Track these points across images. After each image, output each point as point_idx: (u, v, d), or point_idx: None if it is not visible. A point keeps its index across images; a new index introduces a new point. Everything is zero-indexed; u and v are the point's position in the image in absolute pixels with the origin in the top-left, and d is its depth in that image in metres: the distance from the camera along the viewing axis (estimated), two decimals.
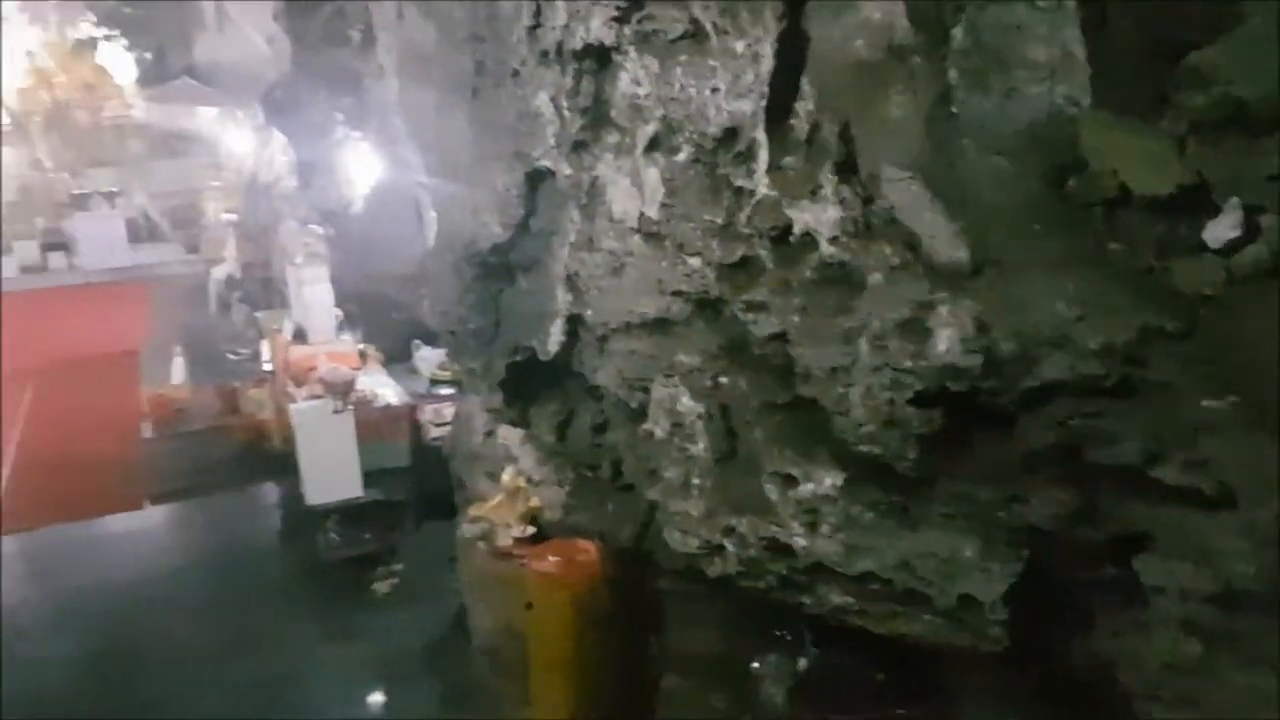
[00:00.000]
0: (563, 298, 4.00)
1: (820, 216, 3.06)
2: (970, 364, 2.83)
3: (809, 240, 3.16)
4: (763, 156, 3.19)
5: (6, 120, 19.17)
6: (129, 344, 13.53)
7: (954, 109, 2.72)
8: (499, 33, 3.86)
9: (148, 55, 20.23)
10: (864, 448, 3.16)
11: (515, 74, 3.89)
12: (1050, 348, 2.68)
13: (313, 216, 12.74)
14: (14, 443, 9.98)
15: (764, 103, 3.11)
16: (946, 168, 2.76)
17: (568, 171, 3.78)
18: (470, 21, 3.97)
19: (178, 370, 11.86)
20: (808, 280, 3.19)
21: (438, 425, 9.05)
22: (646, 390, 3.81)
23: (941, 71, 2.72)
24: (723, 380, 3.51)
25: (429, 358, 10.34)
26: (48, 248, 16.96)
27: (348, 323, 10.72)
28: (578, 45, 3.51)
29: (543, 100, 3.74)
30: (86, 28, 20.39)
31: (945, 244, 2.83)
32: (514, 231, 4.11)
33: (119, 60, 20.73)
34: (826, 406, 3.22)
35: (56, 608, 7.11)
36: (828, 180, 3.04)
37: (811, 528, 3.37)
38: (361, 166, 12.09)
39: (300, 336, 10.16)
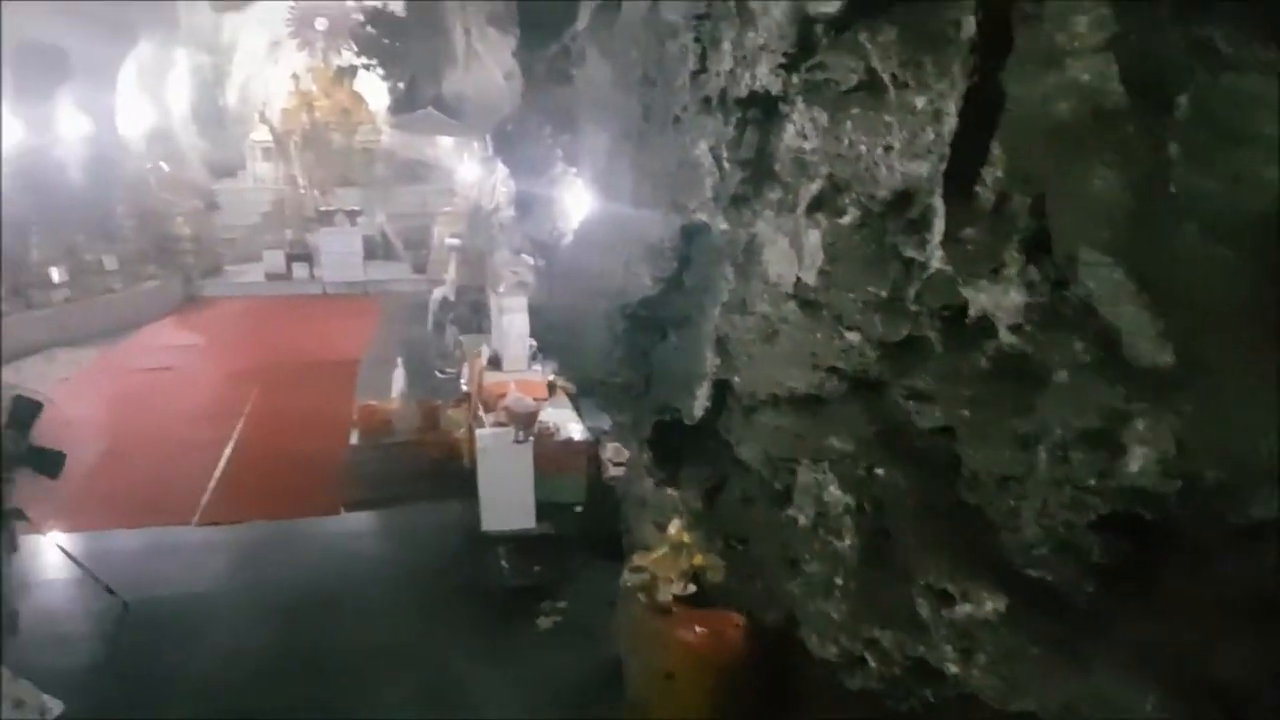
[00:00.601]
0: (711, 360, 3.76)
1: (1001, 299, 2.66)
2: (1167, 490, 2.35)
3: (986, 325, 2.76)
4: (938, 226, 2.82)
5: (269, 137, 21.09)
6: (352, 353, 14.39)
7: (1171, 188, 2.27)
8: (666, 76, 3.70)
9: (400, 85, 21.71)
10: (1033, 571, 2.71)
11: (677, 120, 3.71)
12: (1264, 480, 2.17)
13: (525, 246, 13.12)
14: (233, 438, 10.71)
15: (944, 166, 2.75)
16: (1156, 255, 2.31)
17: (724, 227, 3.55)
18: (643, 63, 3.83)
19: (398, 381, 12.47)
20: (982, 371, 2.78)
21: (617, 464, 8.98)
22: (793, 471, 3.48)
23: (1159, 144, 2.29)
24: (877, 472, 3.14)
25: None
26: (292, 258, 18.45)
27: (542, 353, 10.87)
28: (742, 93, 3.28)
29: (702, 150, 3.53)
30: (348, 56, 22.16)
31: (1148, 344, 2.38)
32: (666, 286, 3.91)
33: (374, 88, 22.39)
34: (993, 519, 2.79)
35: (239, 601, 7.49)
36: (1013, 259, 2.63)
37: (966, 654, 2.93)
38: (575, 202, 12.35)
39: (495, 363, 10.41)
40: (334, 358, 14.26)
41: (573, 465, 8.94)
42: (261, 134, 21.18)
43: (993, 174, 2.71)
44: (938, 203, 2.78)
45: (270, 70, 23.30)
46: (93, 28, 16.00)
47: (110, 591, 7.21)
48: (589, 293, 10.54)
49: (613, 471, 9.17)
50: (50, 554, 7.47)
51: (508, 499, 8.37)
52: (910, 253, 2.89)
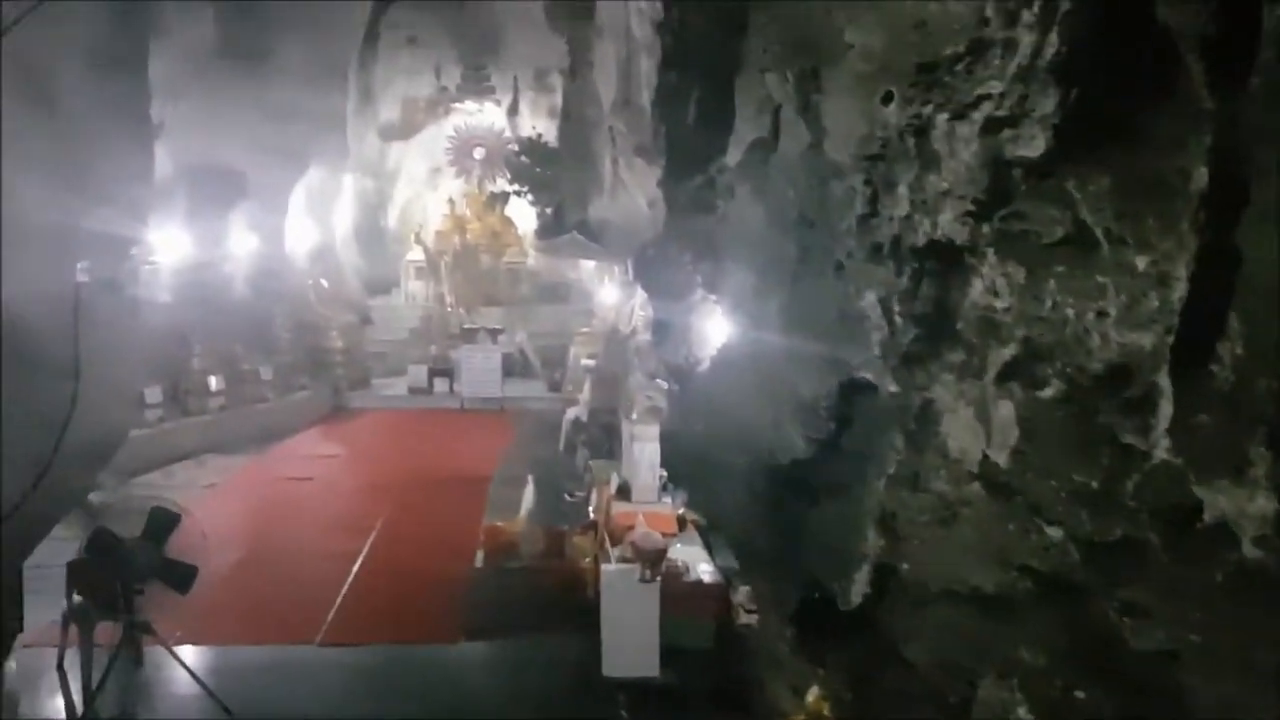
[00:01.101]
0: (874, 540, 3.32)
1: (1246, 505, 2.17)
2: None
3: (1224, 533, 2.26)
4: (1165, 409, 2.37)
5: (423, 257, 21.98)
6: (484, 471, 14.36)
7: None
8: (828, 218, 3.40)
9: (548, 211, 22.47)
10: None
11: (840, 267, 3.39)
12: None
13: (660, 371, 12.95)
14: (363, 553, 10.65)
15: (1171, 338, 2.32)
16: None
17: (893, 389, 3.16)
18: (800, 203, 3.56)
19: (526, 501, 12.36)
20: (1217, 587, 2.27)
21: (749, 611, 8.44)
22: (973, 684, 2.97)
23: None
24: (1077, 694, 2.61)
25: None
26: (434, 373, 18.88)
27: (671, 485, 10.51)
28: (919, 241, 2.94)
29: (870, 301, 3.18)
30: (501, 183, 23.11)
31: None
32: (820, 448, 3.53)
33: (523, 213, 23.20)
34: None
35: None
36: (1260, 456, 2.15)
37: None
38: (713, 329, 12.17)
39: (624, 492, 10.10)
40: (466, 474, 14.26)
41: (702, 609, 8.44)
42: (416, 254, 22.12)
43: (1231, 350, 2.26)
44: (1164, 381, 2.33)
45: (429, 195, 24.51)
46: (270, 155, 17.17)
47: (227, 711, 7.07)
48: (727, 435, 10.20)
49: (745, 619, 8.61)
50: (173, 668, 7.41)
51: (631, 641, 7.92)
52: (1128, 438, 2.43)
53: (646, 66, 14.76)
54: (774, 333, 3.70)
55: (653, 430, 9.87)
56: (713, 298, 11.97)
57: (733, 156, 7.83)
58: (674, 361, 12.82)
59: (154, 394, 14.03)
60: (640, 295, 14.25)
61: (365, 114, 22.70)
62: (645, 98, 15.05)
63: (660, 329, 13.00)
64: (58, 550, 6.94)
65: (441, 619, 9.20)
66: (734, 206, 4.40)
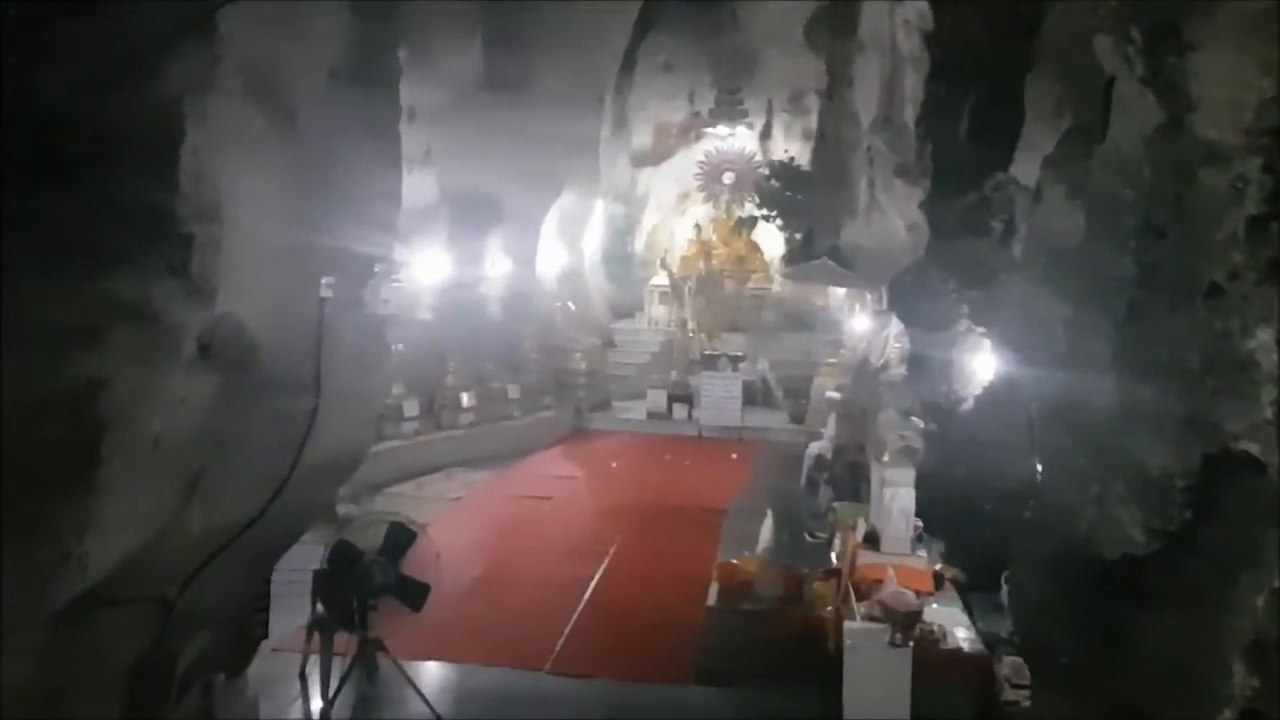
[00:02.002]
0: (1243, 677, 2.39)
1: None
2: None
3: None
4: None
5: (667, 282, 21.92)
6: (719, 502, 13.89)
7: None
8: (1193, 225, 2.53)
9: (797, 236, 21.82)
10: None
11: (1215, 291, 2.51)
12: None
13: (916, 408, 11.98)
14: (594, 580, 10.42)
15: None
16: None
17: None
18: (1147, 205, 2.70)
19: (764, 538, 11.79)
20: None
21: (1017, 685, 7.40)
22: None
23: None
24: None
25: None
26: (674, 399, 18.65)
27: (927, 535, 9.55)
28: None
29: (1263, 342, 2.29)
30: (750, 208, 22.70)
31: None
32: (1167, 541, 2.63)
33: (771, 238, 22.66)
34: None
35: None
36: None
37: None
38: (978, 364, 11.10)
39: (872, 540, 9.27)
40: (702, 504, 13.84)
41: (960, 680, 7.52)
42: (661, 279, 22.11)
43: None
44: None
45: (676, 220, 24.54)
46: (526, 180, 17.67)
47: None
48: (991, 481, 9.11)
49: (1010, 694, 7.57)
50: (404, 684, 7.37)
51: (878, 710, 7.12)
52: None
53: (912, 81, 13.85)
54: (1095, 378, 2.88)
55: (907, 474, 8.99)
56: (979, 329, 10.89)
57: (1021, 168, 6.96)
58: (932, 399, 11.80)
59: (411, 407, 14.63)
60: (895, 325, 13.31)
61: (618, 140, 22.99)
62: (909, 114, 14.13)
63: (917, 363, 12.02)
64: (305, 557, 7.07)
65: (672, 659, 8.75)
66: (1038, 218, 3.61)
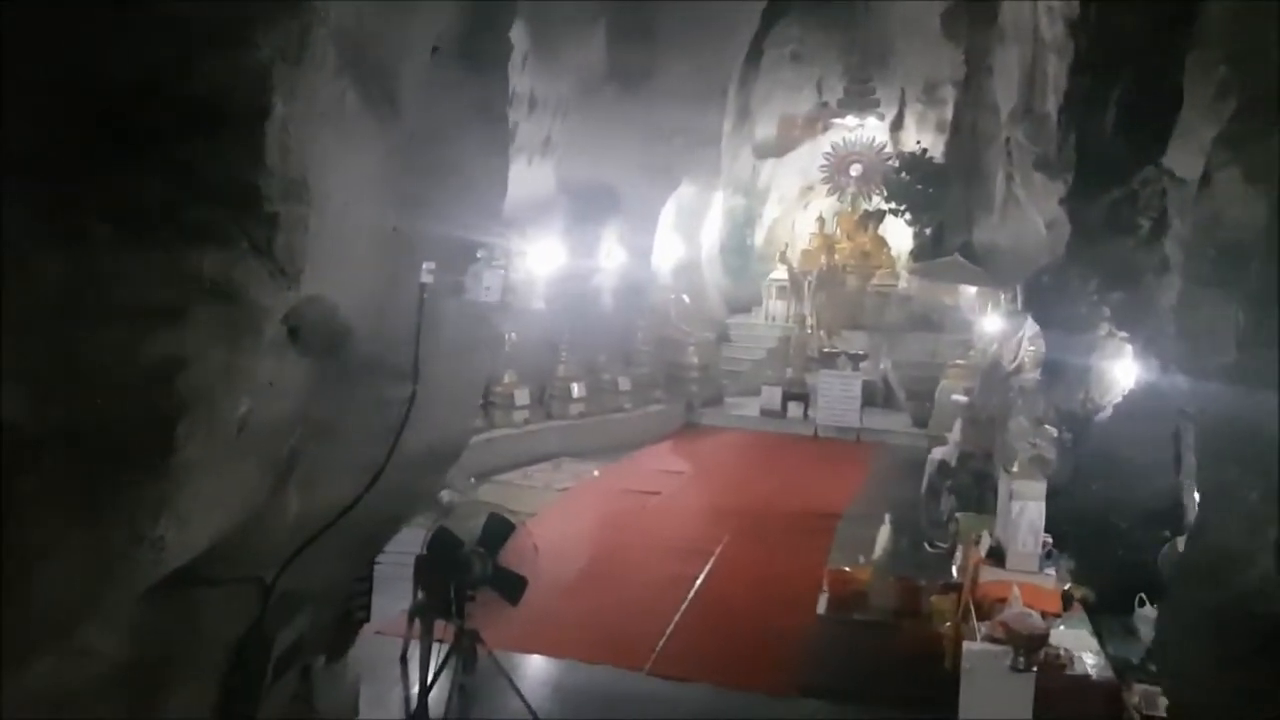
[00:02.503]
0: None
1: None
2: None
3: None
4: None
5: (786, 277, 21.43)
6: (833, 506, 13.47)
7: None
8: None
9: (927, 231, 21.01)
10: None
11: None
12: None
13: (1049, 416, 11.35)
14: (699, 579, 10.18)
15: None
16: None
17: None
18: None
19: (881, 544, 11.36)
20: None
21: (1148, 716, 6.83)
22: None
23: None
24: None
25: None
26: (789, 396, 18.19)
27: (1056, 552, 8.96)
28: None
29: None
30: (877, 201, 21.99)
31: None
32: None
33: (898, 232, 21.90)
34: None
35: None
36: None
37: None
38: (1119, 371, 10.41)
39: (996, 555, 8.75)
40: (814, 508, 13.42)
41: (1086, 709, 7.01)
42: (780, 273, 21.64)
43: None
44: None
45: (798, 213, 24.01)
46: (645, 172, 17.51)
47: None
48: (1136, 504, 8.46)
49: None
50: (498, 677, 7.27)
51: None
52: None
53: (1055, 70, 13.06)
54: (1271, 399, 2.47)
55: (1037, 487, 8.41)
56: (1122, 334, 10.20)
57: (1177, 159, 6.37)
58: (1067, 406, 11.13)
59: (522, 396, 14.67)
60: (1029, 327, 12.60)
61: (741, 131, 22.68)
62: (1051, 105, 13.35)
63: (1052, 368, 11.32)
64: (412, 540, 7.04)
65: (777, 667, 8.42)
66: (1204, 209, 3.15)
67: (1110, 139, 8.66)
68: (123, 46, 2.62)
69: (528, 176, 14.30)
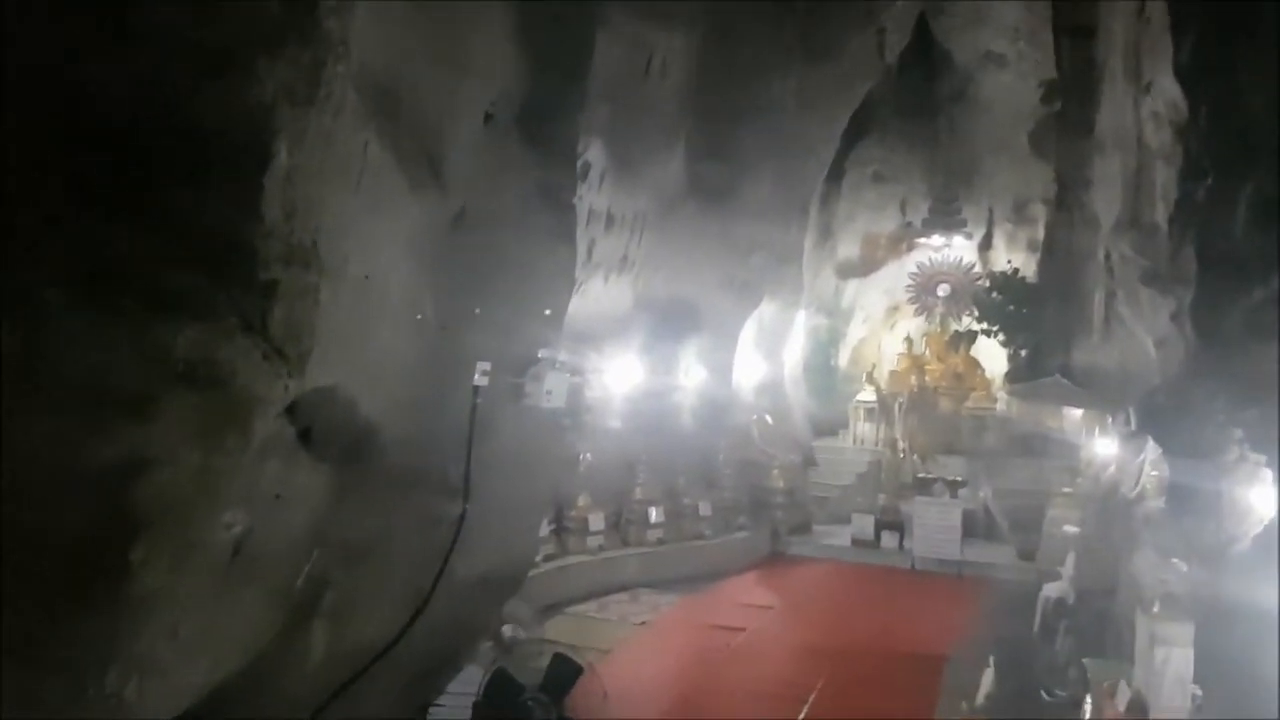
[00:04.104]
0: None
1: None
2: None
3: None
4: None
5: (874, 398, 20.51)
6: (939, 647, 12.27)
7: None
8: None
9: (1022, 352, 20.06)
10: None
11: None
12: None
13: (1179, 550, 10.15)
14: None
15: None
16: None
17: None
18: None
19: (986, 684, 10.21)
20: None
21: None
22: None
23: None
24: None
25: None
26: (882, 525, 17.03)
27: (1206, 706, 7.76)
28: None
29: None
30: (968, 321, 21.17)
31: None
32: None
33: (991, 353, 20.97)
34: None
35: None
36: None
37: None
38: (1256, 499, 9.27)
39: (1138, 708, 7.57)
40: (916, 649, 12.23)
41: None
42: (867, 394, 20.80)
43: None
44: None
45: (884, 334, 23.32)
46: (725, 289, 17.08)
47: None
48: None
49: None
50: None
51: None
52: None
53: (1164, 178, 12.37)
54: None
55: (1185, 631, 7.30)
56: (1260, 458, 9.10)
57: None
58: (1198, 537, 9.96)
59: (597, 520, 13.95)
60: (1151, 451, 11.48)
61: (823, 250, 22.34)
62: (1160, 214, 12.58)
63: (1178, 494, 10.19)
64: (467, 681, 6.31)
65: None
66: None
67: (1241, 242, 7.83)
68: (97, 64, 2.15)
69: (604, 293, 13.97)
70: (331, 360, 2.58)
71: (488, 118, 3.62)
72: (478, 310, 3.84)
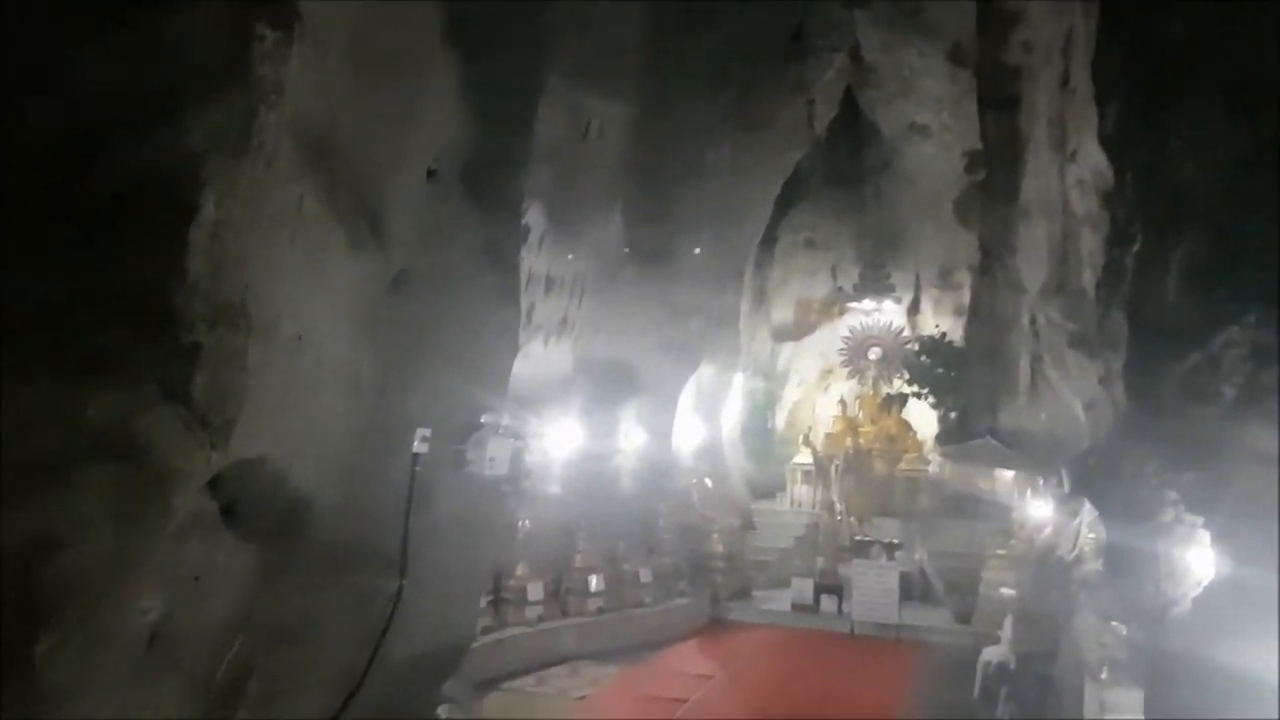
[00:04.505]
0: None
1: None
2: None
3: None
4: None
5: (810, 461, 20.57)
6: (881, 714, 12.11)
7: None
8: None
9: (952, 414, 20.33)
10: None
11: None
12: None
13: (1118, 613, 10.17)
14: None
15: None
16: None
17: None
18: None
19: None
20: None
21: None
22: None
23: None
24: None
25: None
26: (821, 589, 16.91)
27: None
28: None
29: None
30: (899, 384, 21.46)
31: None
32: None
33: (924, 416, 21.23)
34: None
35: None
36: None
37: None
38: (1196, 561, 9.34)
39: None
40: (858, 716, 12.03)
41: None
42: (804, 457, 20.86)
43: None
44: None
45: (819, 396, 23.51)
46: (665, 352, 17.05)
47: None
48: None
49: None
50: None
51: None
52: None
53: (1090, 245, 12.69)
54: None
55: (1135, 698, 7.26)
56: (1197, 520, 9.21)
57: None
58: (1137, 602, 9.99)
59: (535, 590, 13.56)
60: (1087, 514, 11.60)
61: (759, 314, 22.58)
62: (1088, 280, 12.88)
63: (1115, 557, 10.26)
64: None
65: None
66: None
67: (1175, 304, 7.97)
68: (12, 118, 1.96)
69: (545, 356, 13.81)
70: (260, 429, 2.37)
71: (431, 173, 3.48)
72: (419, 371, 3.65)
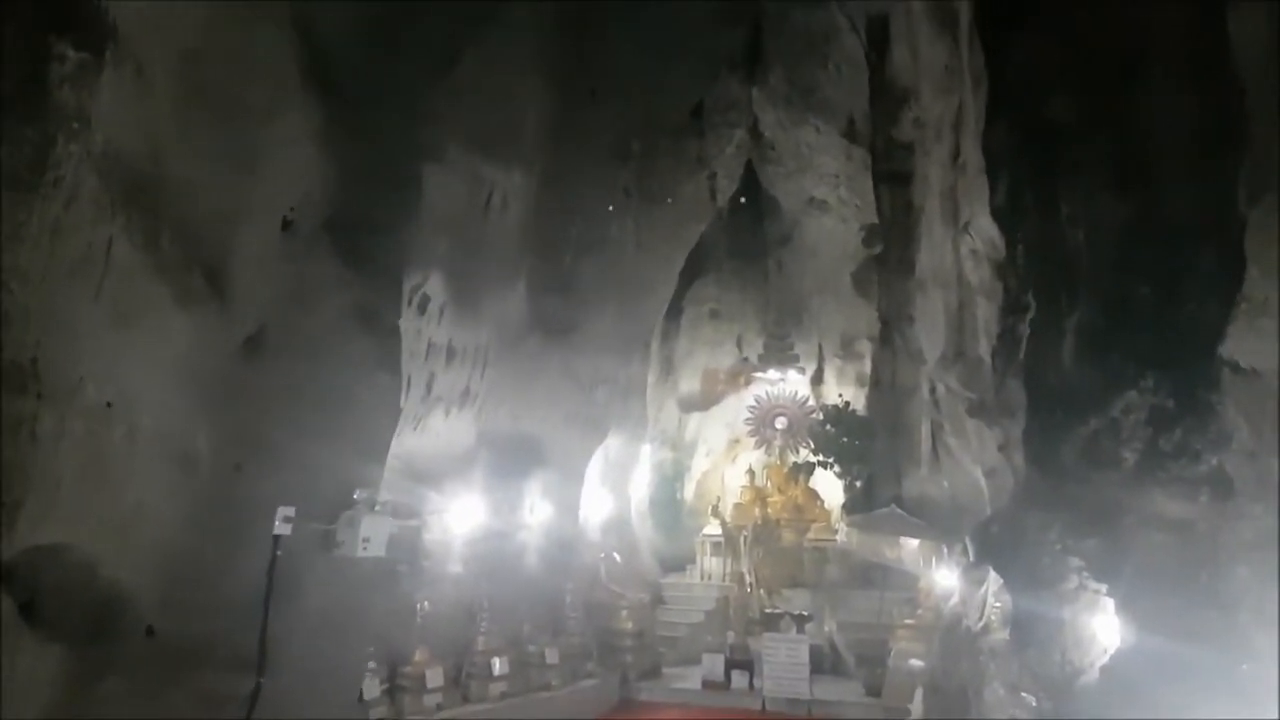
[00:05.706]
0: None
1: None
2: None
3: None
4: None
5: (719, 532, 20.33)
6: None
7: None
8: None
9: (858, 483, 20.45)
10: None
11: None
12: None
13: (1026, 683, 10.08)
14: None
15: None
16: None
17: None
18: None
19: None
20: None
21: None
22: None
23: None
24: None
25: None
26: (732, 664, 16.50)
27: None
28: None
29: None
30: (805, 454, 21.51)
31: None
32: None
33: (830, 486, 21.27)
34: None
35: None
36: None
37: None
38: (1101, 628, 9.32)
39: None
40: None
41: None
42: (713, 528, 20.61)
43: None
44: None
45: (727, 466, 23.41)
46: (570, 424, 16.73)
47: None
48: None
49: None
50: None
51: None
52: None
53: (985, 313, 12.97)
54: None
55: None
56: (1100, 587, 9.23)
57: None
58: (1043, 671, 9.92)
59: (435, 676, 12.83)
60: (993, 582, 11.57)
61: (665, 384, 22.49)
62: (984, 348, 13.13)
63: (1022, 626, 10.21)
64: None
65: None
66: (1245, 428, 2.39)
67: (1072, 371, 8.09)
68: None
69: (445, 429, 13.32)
70: (59, 511, 2.00)
71: (287, 224, 3.18)
72: (279, 445, 3.29)
